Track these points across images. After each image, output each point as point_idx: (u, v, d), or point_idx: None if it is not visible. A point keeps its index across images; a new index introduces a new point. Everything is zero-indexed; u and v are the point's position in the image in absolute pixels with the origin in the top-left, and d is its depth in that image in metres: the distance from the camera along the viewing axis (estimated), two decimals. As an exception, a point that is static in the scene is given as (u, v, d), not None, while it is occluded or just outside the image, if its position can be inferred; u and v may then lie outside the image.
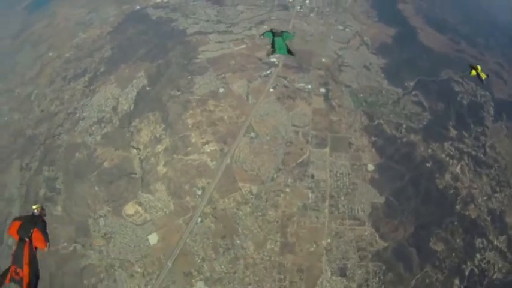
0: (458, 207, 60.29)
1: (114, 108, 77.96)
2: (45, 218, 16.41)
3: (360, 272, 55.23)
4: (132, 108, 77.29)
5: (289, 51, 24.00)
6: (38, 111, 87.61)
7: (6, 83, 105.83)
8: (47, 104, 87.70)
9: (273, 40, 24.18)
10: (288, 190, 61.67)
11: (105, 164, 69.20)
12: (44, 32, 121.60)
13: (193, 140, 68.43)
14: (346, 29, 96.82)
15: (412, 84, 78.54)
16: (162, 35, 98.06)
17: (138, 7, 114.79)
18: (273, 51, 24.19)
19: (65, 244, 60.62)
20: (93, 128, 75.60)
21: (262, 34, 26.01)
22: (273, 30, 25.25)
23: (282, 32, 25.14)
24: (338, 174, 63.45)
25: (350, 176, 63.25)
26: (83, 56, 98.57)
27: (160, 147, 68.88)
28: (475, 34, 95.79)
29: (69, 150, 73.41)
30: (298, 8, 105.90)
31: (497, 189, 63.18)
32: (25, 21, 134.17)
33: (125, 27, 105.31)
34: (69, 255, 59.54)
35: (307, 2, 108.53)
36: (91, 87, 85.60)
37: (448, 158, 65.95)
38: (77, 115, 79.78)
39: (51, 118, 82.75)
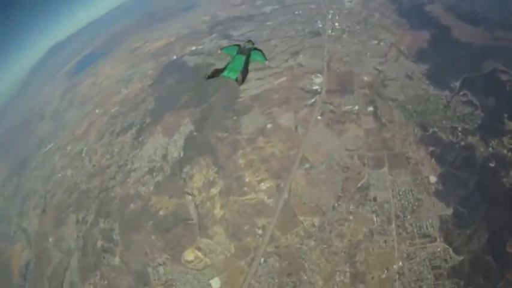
0: (530, 202, 56.98)
1: (164, 157, 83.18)
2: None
3: (437, 292, 53.21)
4: (181, 155, 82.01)
5: (237, 79, 18.75)
6: (89, 166, 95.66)
7: (58, 141, 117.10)
8: (98, 158, 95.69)
9: (234, 57, 19.83)
10: (351, 217, 61.31)
11: (161, 212, 72.75)
12: (89, 91, 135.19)
13: (247, 180, 70.82)
14: (381, 43, 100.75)
15: (457, 84, 78.99)
16: (202, 80, 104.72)
17: (174, 57, 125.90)
18: (217, 73, 19.19)
19: (126, 295, 63.35)
20: (145, 178, 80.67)
21: (223, 49, 21.41)
22: (240, 45, 20.57)
23: (254, 49, 20.32)
24: (401, 193, 62.54)
25: (413, 192, 62.13)
26: (128, 110, 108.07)
27: (214, 191, 71.64)
28: (508, 17, 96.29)
29: (124, 202, 78.42)
30: (330, 31, 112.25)
31: None
32: (70, 82, 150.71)
33: (164, 78, 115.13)
34: (130, 305, 61.87)
35: (336, 24, 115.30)
36: (139, 139, 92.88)
37: (510, 153, 63.95)
38: (128, 167, 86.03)
39: (103, 172, 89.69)
